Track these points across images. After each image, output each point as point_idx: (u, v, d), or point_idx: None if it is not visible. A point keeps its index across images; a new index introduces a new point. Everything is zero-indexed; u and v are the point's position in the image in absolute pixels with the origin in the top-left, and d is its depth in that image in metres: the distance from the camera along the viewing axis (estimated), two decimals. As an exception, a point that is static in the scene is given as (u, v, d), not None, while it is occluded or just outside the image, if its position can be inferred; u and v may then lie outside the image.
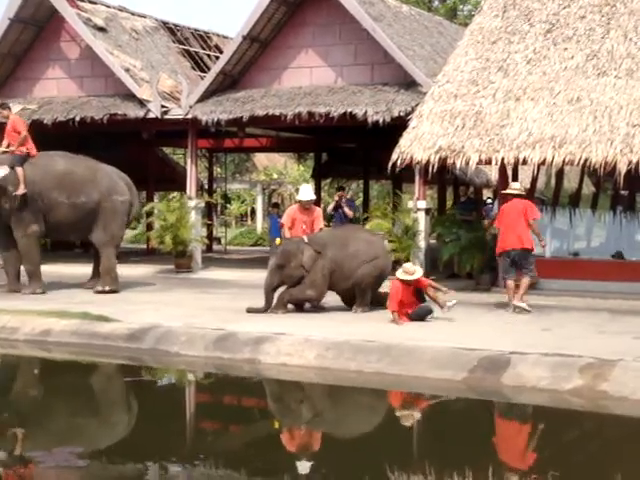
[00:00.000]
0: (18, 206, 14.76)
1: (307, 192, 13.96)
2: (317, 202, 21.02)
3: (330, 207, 19.86)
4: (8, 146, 15.08)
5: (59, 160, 15.54)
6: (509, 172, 16.41)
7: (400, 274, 11.93)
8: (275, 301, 12.67)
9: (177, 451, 7.51)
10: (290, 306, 12.82)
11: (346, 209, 18.71)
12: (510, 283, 13.15)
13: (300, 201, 13.91)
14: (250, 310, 12.60)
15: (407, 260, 16.59)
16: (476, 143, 14.85)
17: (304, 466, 7.09)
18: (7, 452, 7.65)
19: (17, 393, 10.19)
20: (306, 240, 12.69)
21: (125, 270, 16.87)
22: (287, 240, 13.41)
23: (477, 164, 15.57)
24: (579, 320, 12.33)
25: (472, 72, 16.25)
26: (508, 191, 13.77)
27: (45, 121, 19.13)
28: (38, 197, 14.98)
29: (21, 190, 14.66)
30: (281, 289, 12.86)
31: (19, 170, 14.74)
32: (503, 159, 14.73)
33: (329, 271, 12.57)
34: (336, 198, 19.91)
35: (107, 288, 15.20)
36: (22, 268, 15.38)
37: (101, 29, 19.93)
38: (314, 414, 9.27)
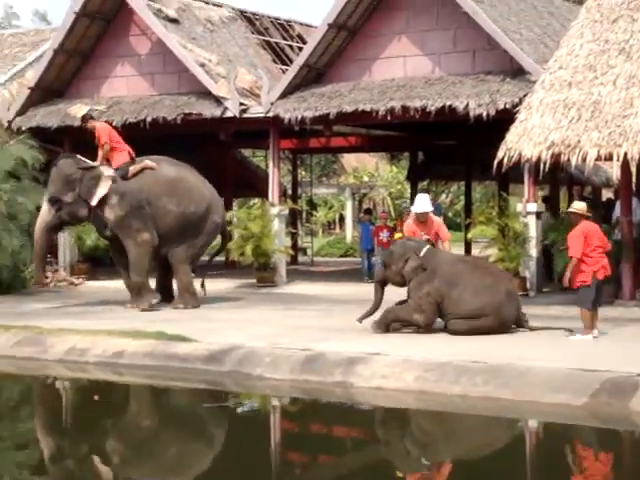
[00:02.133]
0: (125, 214, 15.30)
1: (421, 203, 13.76)
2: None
3: None
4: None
5: (167, 166, 16.19)
6: (633, 169, 16.10)
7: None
8: (379, 317, 12.53)
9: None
10: (396, 325, 12.57)
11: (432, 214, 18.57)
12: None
13: (417, 213, 13.76)
14: (361, 318, 12.60)
15: (516, 272, 16.43)
16: (594, 136, 14.64)
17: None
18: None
19: (88, 421, 10.36)
20: (424, 251, 12.42)
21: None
22: (403, 241, 13.37)
23: (595, 160, 15.34)
24: None
25: (589, 56, 16.03)
26: (573, 209, 13.22)
27: (115, 123, 19.41)
28: (146, 204, 15.54)
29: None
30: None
31: (133, 169, 15.73)
32: (626, 154, 14.49)
33: (437, 298, 12.22)
34: None
35: (189, 306, 15.68)
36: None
37: (173, 21, 20.24)
38: (418, 446, 9.18)
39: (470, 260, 13.03)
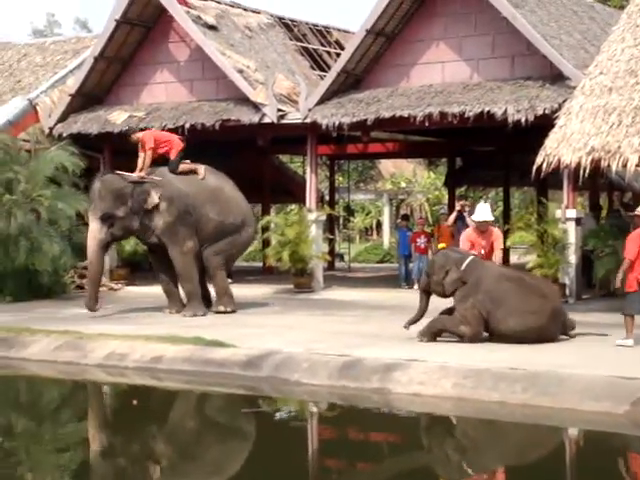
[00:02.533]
0: (174, 220, 15.43)
1: (482, 212, 13.73)
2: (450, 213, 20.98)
3: (451, 218, 19.72)
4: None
5: (209, 174, 16.41)
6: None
7: None
8: (425, 326, 12.42)
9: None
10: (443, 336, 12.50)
11: (469, 220, 18.47)
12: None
13: (476, 222, 13.74)
14: (408, 324, 12.55)
15: (555, 278, 16.33)
16: (635, 142, 14.56)
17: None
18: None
19: (127, 425, 10.43)
20: (465, 263, 12.28)
21: (240, 291, 17.20)
22: (445, 251, 13.39)
23: (636, 166, 15.23)
24: None
25: (630, 61, 15.93)
26: (637, 212, 13.10)
27: (153, 129, 19.64)
28: (192, 211, 15.74)
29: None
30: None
31: (182, 167, 16.14)
32: (667, 161, 14.40)
33: (482, 310, 12.10)
34: (458, 208, 19.79)
35: (229, 309, 15.86)
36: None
37: (212, 27, 20.34)
38: (456, 453, 9.14)
39: (516, 277, 12.70)
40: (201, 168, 16.29)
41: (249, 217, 16.78)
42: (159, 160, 16.45)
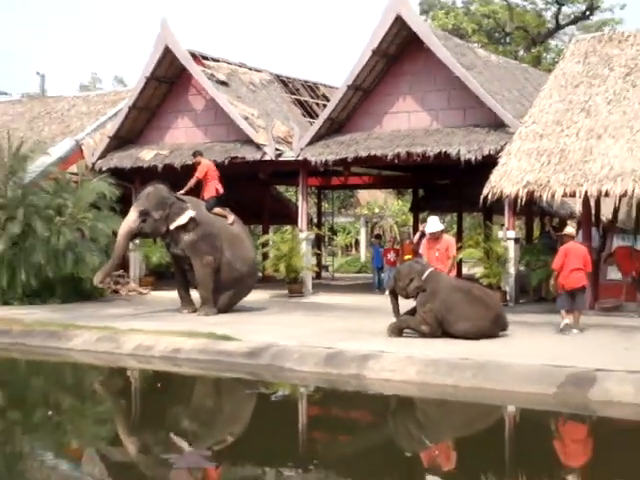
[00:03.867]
0: (197, 239, 15.40)
1: (433, 224, 13.63)
2: (414, 233, 20.99)
3: (415, 237, 19.70)
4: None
5: (236, 223, 16.35)
6: (592, 204, 16.09)
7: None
8: (394, 324, 12.42)
9: (293, 457, 7.58)
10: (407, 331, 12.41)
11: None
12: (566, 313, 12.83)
13: (429, 233, 13.57)
14: (391, 326, 12.40)
15: (498, 286, 16.39)
16: (561, 178, 14.66)
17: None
18: (150, 454, 7.89)
19: (155, 401, 10.43)
20: (425, 274, 12.22)
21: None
22: (410, 262, 13.16)
23: (562, 197, 15.35)
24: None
25: (556, 113, 16.07)
26: (565, 232, 13.38)
27: (175, 164, 19.70)
28: (217, 235, 15.63)
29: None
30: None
31: (217, 210, 15.99)
32: (586, 192, 14.48)
33: (437, 314, 12.06)
34: (421, 229, 19.84)
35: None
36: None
37: (223, 83, 20.42)
38: (418, 426, 9.19)
39: (466, 289, 12.49)
40: (231, 216, 16.23)
41: (253, 268, 16.55)
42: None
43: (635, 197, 14.79)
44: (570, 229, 13.65)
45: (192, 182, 16.47)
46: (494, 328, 12.17)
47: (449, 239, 13.86)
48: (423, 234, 19.07)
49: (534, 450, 7.82)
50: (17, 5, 78.66)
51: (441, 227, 13.69)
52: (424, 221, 21.35)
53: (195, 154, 17.09)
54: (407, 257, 14.55)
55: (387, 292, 13.67)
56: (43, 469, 7.56)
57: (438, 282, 12.28)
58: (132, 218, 15.59)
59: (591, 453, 7.96)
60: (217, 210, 16.13)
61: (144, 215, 15.48)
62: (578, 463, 7.61)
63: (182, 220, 15.37)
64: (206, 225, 15.64)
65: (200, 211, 15.78)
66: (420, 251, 13.92)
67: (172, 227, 15.40)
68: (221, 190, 16.38)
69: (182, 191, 16.30)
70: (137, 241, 19.25)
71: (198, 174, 16.43)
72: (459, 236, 25.69)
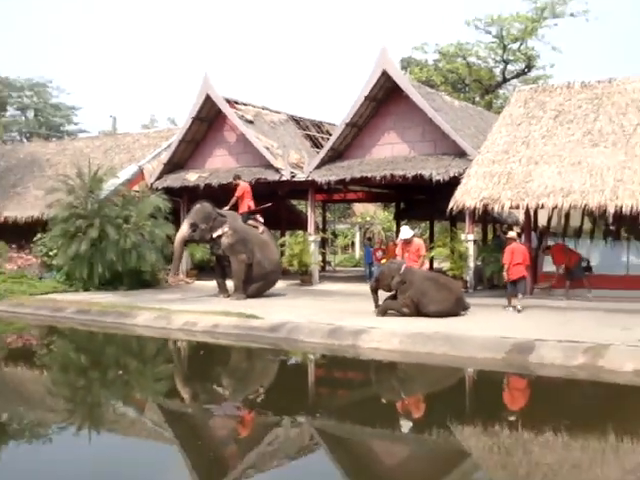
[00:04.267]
0: (233, 243, 15.55)
1: (406, 232, 13.60)
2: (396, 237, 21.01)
3: (398, 240, 19.66)
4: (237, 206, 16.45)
5: (265, 232, 16.43)
6: (531, 214, 16.15)
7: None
8: (380, 307, 12.41)
9: (305, 404, 7.65)
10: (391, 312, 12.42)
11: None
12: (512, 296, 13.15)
13: (402, 239, 13.51)
14: (376, 308, 12.38)
15: (461, 276, 16.43)
16: (508, 194, 14.71)
17: (397, 408, 7.14)
18: (195, 404, 7.95)
19: (199, 364, 10.51)
20: (402, 270, 12.19)
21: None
22: (388, 264, 12.93)
23: (509, 208, 15.40)
24: (582, 317, 11.98)
25: (504, 145, 16.13)
26: (509, 236, 13.81)
27: (213, 184, 19.74)
28: (249, 240, 15.70)
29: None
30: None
31: (250, 222, 16.10)
32: (527, 205, 14.55)
33: (414, 299, 12.09)
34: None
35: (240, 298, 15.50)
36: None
37: (250, 122, 20.42)
38: (400, 382, 9.25)
39: (434, 278, 12.59)
40: (262, 227, 16.37)
41: (277, 267, 16.48)
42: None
43: (563, 209, 14.86)
44: (512, 233, 13.94)
45: (233, 201, 16.52)
46: (457, 308, 12.21)
47: (419, 242, 13.83)
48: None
49: (487, 397, 7.99)
50: (94, 65, 79.06)
51: (411, 233, 13.65)
52: (406, 224, 21.40)
53: (235, 177, 17.21)
54: (383, 261, 14.27)
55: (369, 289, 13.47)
56: (116, 413, 7.66)
57: (413, 275, 12.32)
58: (185, 229, 15.83)
59: (528, 398, 8.15)
60: (251, 222, 16.26)
61: (194, 226, 15.71)
62: (519, 405, 7.80)
63: (221, 231, 15.58)
64: (241, 232, 15.76)
65: (237, 222, 15.92)
66: (397, 250, 13.87)
67: (214, 235, 15.59)
68: (253, 207, 16.50)
69: (226, 207, 16.39)
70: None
71: (237, 194, 16.50)
72: (431, 239, 25.72)
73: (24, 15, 77.39)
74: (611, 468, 5.49)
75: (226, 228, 15.55)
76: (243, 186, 16.81)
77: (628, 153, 14.61)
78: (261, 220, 16.58)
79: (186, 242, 16.41)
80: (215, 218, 15.72)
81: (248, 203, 16.55)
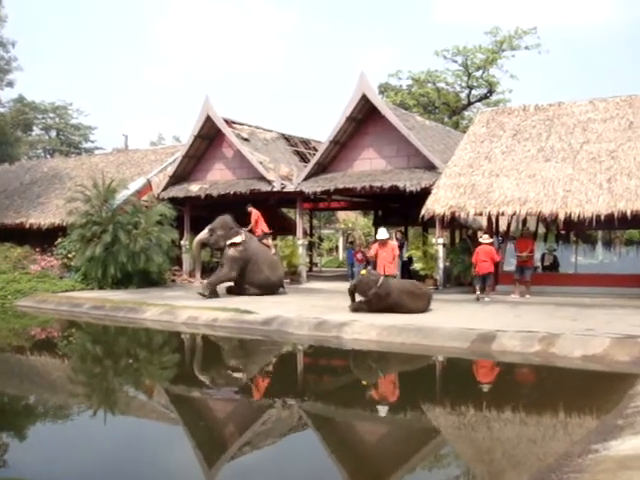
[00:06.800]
0: (235, 256, 15.46)
1: (382, 233, 13.40)
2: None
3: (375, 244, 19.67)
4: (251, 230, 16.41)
5: (273, 251, 16.60)
6: (493, 220, 16.27)
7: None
8: (354, 306, 12.23)
9: (294, 390, 7.67)
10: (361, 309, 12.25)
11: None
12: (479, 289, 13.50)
13: (378, 240, 13.36)
14: (351, 306, 12.14)
15: (431, 275, 16.51)
16: (472, 203, 14.83)
17: (374, 390, 7.18)
18: (197, 388, 7.93)
19: (201, 353, 10.47)
20: (379, 282, 11.83)
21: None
22: (369, 274, 12.25)
23: (474, 215, 15.52)
24: (537, 310, 12.07)
25: (469, 160, 16.27)
26: (481, 240, 14.15)
27: (213, 194, 19.71)
28: (251, 259, 15.59)
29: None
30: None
31: (265, 241, 16.25)
32: (489, 212, 14.67)
33: (391, 304, 11.88)
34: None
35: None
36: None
37: (245, 139, 20.40)
38: (376, 367, 9.29)
39: (409, 289, 12.09)
40: (272, 246, 16.51)
41: (281, 279, 16.32)
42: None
43: (520, 216, 15.03)
44: (486, 237, 14.26)
45: (250, 226, 16.52)
46: (427, 307, 12.18)
47: (393, 244, 13.75)
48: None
49: (454, 380, 8.05)
50: (108, 90, 78.74)
51: (387, 235, 13.47)
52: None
53: (248, 205, 17.20)
54: (363, 272, 13.92)
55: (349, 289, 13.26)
56: (127, 397, 7.65)
57: (390, 286, 12.03)
58: (204, 233, 15.88)
59: (491, 381, 8.20)
60: (265, 241, 16.35)
61: (212, 231, 15.73)
62: (483, 387, 7.82)
63: (233, 240, 15.54)
64: (250, 253, 15.62)
65: (252, 242, 15.87)
66: (371, 251, 13.54)
67: (228, 243, 15.55)
68: (266, 230, 16.55)
69: (246, 229, 16.29)
70: (187, 246, 19.28)
71: (253, 220, 16.58)
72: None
73: (50, 47, 77.10)
74: (561, 440, 5.58)
75: (239, 239, 15.50)
76: (256, 213, 16.87)
77: (575, 167, 14.82)
78: (270, 243, 16.75)
79: (204, 245, 16.42)
80: (232, 228, 15.74)
81: (262, 227, 16.66)
